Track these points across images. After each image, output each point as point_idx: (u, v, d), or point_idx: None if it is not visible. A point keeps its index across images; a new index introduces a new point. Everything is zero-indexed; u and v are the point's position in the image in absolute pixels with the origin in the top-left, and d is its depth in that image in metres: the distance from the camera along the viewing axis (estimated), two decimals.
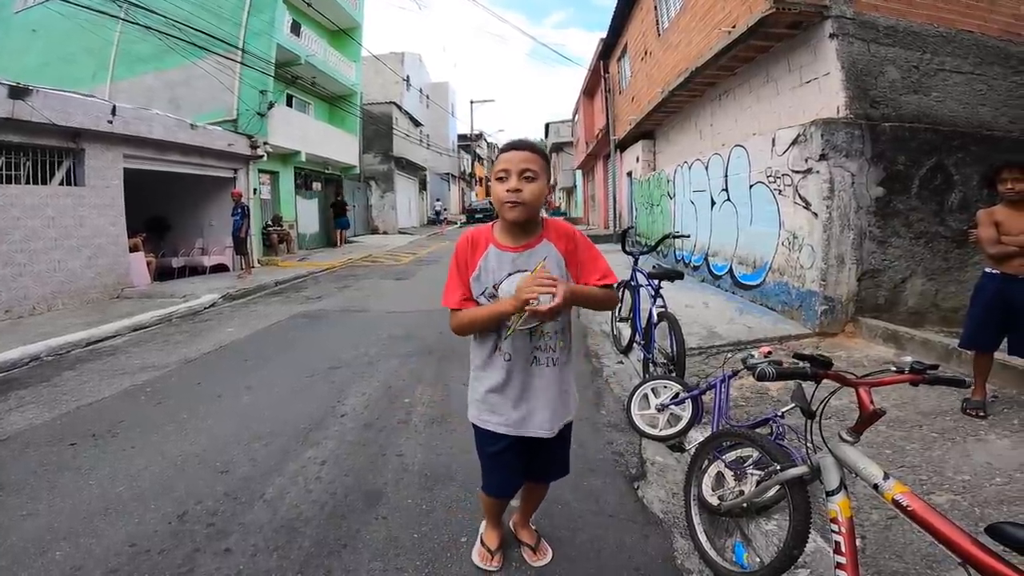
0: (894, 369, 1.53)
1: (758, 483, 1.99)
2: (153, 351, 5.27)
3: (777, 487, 1.84)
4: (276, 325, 6.31)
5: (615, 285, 1.69)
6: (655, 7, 10.08)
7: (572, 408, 1.71)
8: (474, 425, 1.72)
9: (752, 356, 2.84)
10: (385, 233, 22.43)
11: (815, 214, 4.79)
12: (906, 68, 5.19)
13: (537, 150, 1.51)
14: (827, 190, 4.66)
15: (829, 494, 1.44)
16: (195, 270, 11.16)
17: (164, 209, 11.88)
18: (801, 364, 1.54)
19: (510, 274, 1.54)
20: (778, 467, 1.74)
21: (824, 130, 4.67)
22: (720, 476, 2.20)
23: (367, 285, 9.32)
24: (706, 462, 2.20)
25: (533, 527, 2.11)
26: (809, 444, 1.59)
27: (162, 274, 10.43)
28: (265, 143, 12.41)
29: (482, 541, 2.05)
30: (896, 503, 1.23)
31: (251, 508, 2.42)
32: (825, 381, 1.55)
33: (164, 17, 10.60)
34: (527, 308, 1.38)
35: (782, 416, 2.43)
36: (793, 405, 2.09)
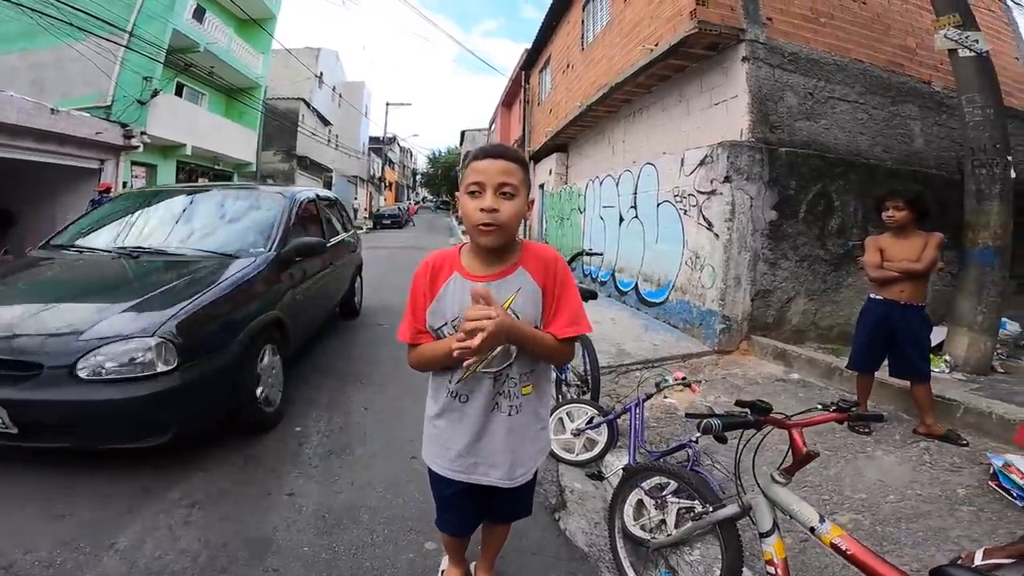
0: (820, 407, 1.55)
1: (680, 513, 2.01)
2: None
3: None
4: None
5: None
6: (582, 21, 10.19)
7: (539, 456, 1.53)
8: (428, 467, 1.54)
9: (666, 380, 2.87)
10: None
11: (717, 235, 5.01)
12: (803, 94, 5.51)
13: (517, 159, 1.29)
14: (728, 212, 4.89)
15: (763, 535, 1.40)
16: None
17: (10, 201, 10.26)
18: (741, 412, 1.50)
19: None
20: (710, 508, 1.70)
21: (731, 152, 4.88)
22: (640, 504, 2.17)
23: None
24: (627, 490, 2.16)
25: (495, 573, 1.92)
26: (739, 484, 1.56)
27: None
28: (143, 133, 11.15)
29: None
30: (835, 547, 1.21)
31: (98, 560, 2.02)
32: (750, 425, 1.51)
33: None
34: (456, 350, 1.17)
35: (696, 441, 2.45)
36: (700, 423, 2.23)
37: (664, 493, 2.08)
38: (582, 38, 10.34)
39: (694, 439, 2.43)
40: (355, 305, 6.30)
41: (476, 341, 1.12)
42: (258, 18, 16.47)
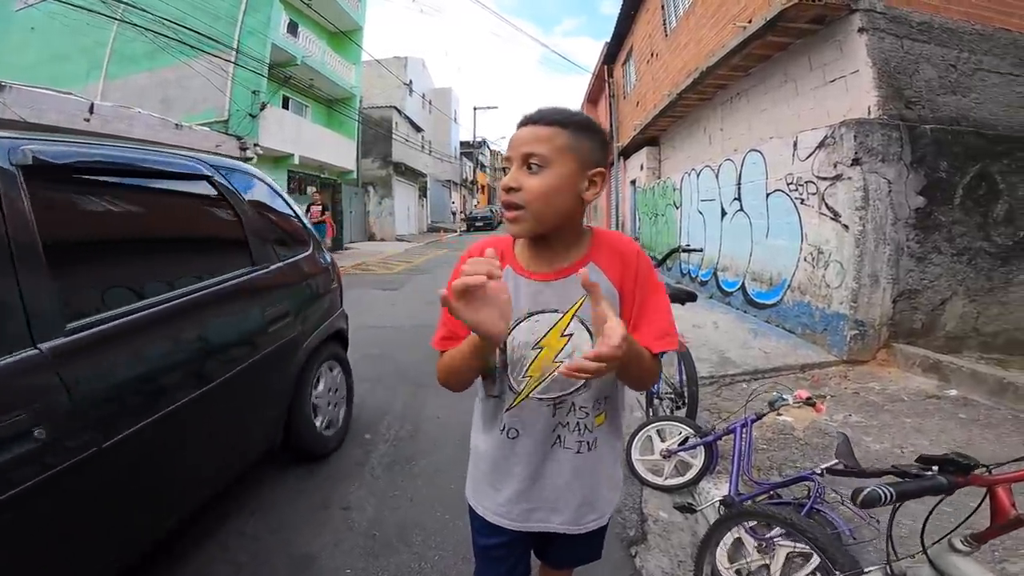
0: None
1: (790, 559, 1.70)
2: None
3: None
4: None
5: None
6: (662, 6, 9.75)
7: (615, 498, 1.16)
8: (470, 506, 1.20)
9: (783, 399, 2.32)
10: (382, 240, 22.02)
11: (845, 226, 4.26)
12: (943, 67, 4.71)
13: (556, 120, 0.93)
14: (860, 199, 4.13)
15: None
16: None
17: None
18: (924, 471, 1.03)
19: (531, 314, 0.99)
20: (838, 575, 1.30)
21: (857, 131, 4.15)
22: (738, 544, 1.82)
23: (352, 296, 8.60)
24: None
25: None
26: (890, 545, 1.15)
27: None
28: (256, 145, 11.98)
29: None
30: None
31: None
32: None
33: (157, 17, 10.25)
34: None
35: (821, 474, 1.94)
36: (835, 461, 1.72)
37: (771, 534, 1.74)
38: (664, 24, 9.86)
39: (818, 471, 1.93)
40: (311, 430, 2.71)
41: (613, 346, 0.74)
42: (346, 30, 17.39)
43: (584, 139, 0.93)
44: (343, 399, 3.16)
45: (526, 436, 1.04)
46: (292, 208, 3.05)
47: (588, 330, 0.96)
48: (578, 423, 1.03)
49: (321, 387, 2.85)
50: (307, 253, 2.96)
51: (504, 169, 0.96)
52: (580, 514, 1.08)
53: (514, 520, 1.09)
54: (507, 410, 1.04)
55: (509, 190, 0.92)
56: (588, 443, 1.04)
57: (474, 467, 1.17)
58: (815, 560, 1.71)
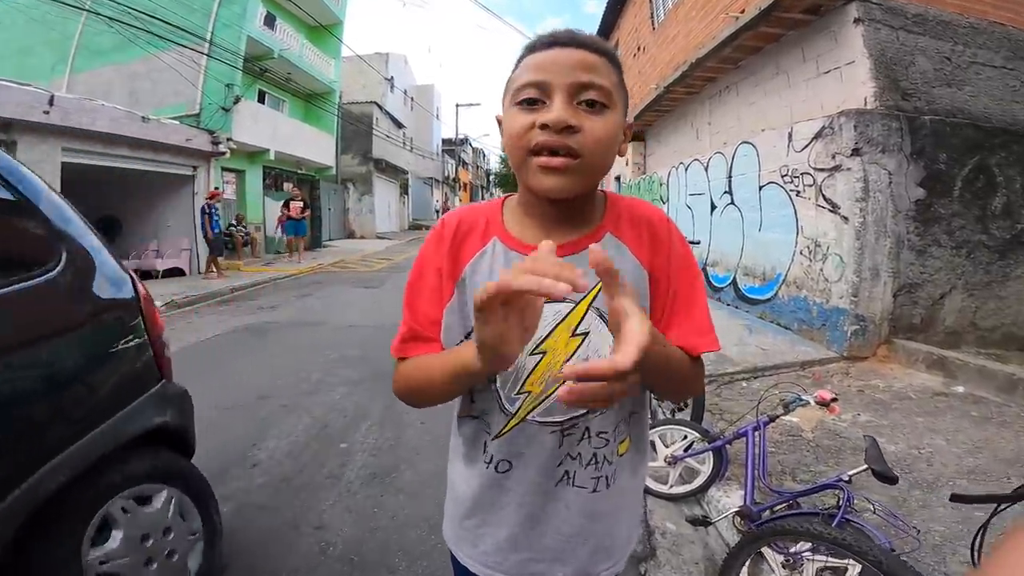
0: None
1: (820, 574, 1.52)
2: None
3: None
4: (211, 340, 5.38)
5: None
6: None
7: (635, 537, 0.90)
8: (450, 550, 0.92)
9: (800, 399, 2.14)
10: (362, 237, 21.63)
11: (845, 218, 4.13)
12: (938, 59, 4.65)
13: (607, 52, 0.70)
14: (860, 190, 4.00)
15: None
16: (148, 274, 10.22)
17: (117, 208, 10.92)
18: None
19: None
20: None
21: (858, 121, 4.04)
22: (759, 558, 1.66)
23: (330, 293, 8.47)
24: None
25: None
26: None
27: None
28: (228, 139, 11.54)
29: None
30: None
31: None
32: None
33: (127, 7, 9.80)
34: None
35: (848, 480, 1.77)
36: (865, 467, 1.65)
37: (797, 548, 1.56)
38: (652, 17, 9.75)
39: (845, 477, 1.75)
40: None
41: (632, 357, 0.48)
42: (326, 24, 16.93)
43: (623, 80, 0.72)
44: (193, 540, 1.68)
45: (521, 471, 0.77)
46: (22, 189, 1.40)
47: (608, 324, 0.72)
48: (594, 454, 0.76)
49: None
50: (47, 276, 1.35)
51: (527, 101, 0.66)
52: (592, 562, 0.82)
53: (506, 573, 0.83)
54: (494, 437, 0.77)
55: (564, 129, 0.63)
56: (607, 478, 0.78)
57: (452, 504, 0.89)
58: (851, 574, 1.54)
